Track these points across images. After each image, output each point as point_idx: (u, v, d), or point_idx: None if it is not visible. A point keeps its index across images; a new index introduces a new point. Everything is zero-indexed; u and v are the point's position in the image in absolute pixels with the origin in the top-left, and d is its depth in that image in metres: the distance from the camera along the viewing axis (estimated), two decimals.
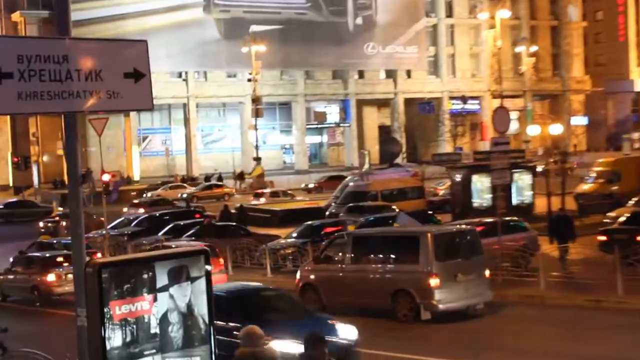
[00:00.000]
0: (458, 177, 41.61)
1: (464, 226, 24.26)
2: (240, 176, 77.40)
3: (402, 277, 20.99)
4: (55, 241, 35.61)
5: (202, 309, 7.11)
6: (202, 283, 7.12)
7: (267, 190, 64.50)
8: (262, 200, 59.27)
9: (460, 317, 20.86)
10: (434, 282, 20.51)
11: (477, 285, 21.39)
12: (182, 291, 6.96)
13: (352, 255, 22.45)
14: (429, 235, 21.07)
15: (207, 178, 75.38)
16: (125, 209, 53.11)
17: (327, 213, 43.65)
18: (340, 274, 22.51)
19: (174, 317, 6.86)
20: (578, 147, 79.78)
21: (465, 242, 22.09)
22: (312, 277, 23.46)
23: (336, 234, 26.70)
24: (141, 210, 49.71)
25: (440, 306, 20.62)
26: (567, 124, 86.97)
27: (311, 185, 70.07)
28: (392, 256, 21.86)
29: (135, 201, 56.83)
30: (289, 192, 63.37)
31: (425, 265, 20.71)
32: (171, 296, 6.88)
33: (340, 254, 23.06)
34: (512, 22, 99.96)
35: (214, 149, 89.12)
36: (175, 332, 6.87)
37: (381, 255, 22.04)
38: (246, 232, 36.24)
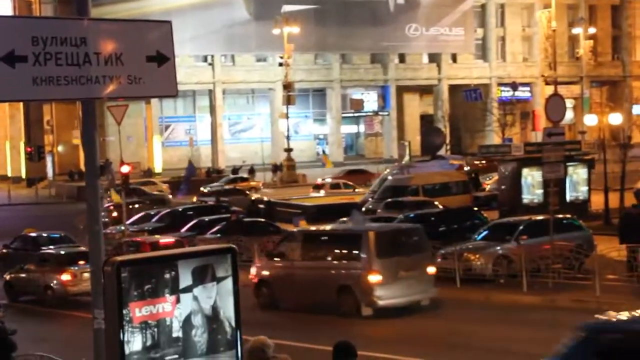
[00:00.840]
0: (507, 171, 41.45)
1: (407, 224, 26.70)
2: (276, 168, 77.56)
3: (345, 273, 23.12)
4: (36, 235, 35.90)
5: (228, 311, 7.14)
6: (228, 283, 7.15)
7: (328, 181, 63.84)
8: (322, 192, 59.08)
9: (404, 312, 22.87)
10: (374, 278, 22.55)
11: (420, 282, 23.43)
12: (207, 292, 7.00)
13: (302, 252, 24.68)
14: (370, 233, 23.15)
15: (235, 170, 75.57)
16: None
17: (363, 209, 43.62)
18: (291, 271, 24.61)
19: (198, 320, 6.91)
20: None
21: (409, 239, 24.19)
22: (266, 273, 25.52)
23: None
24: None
25: (381, 302, 22.65)
26: (628, 113, 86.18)
27: (328, 180, 66.76)
28: (337, 253, 23.90)
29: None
30: (350, 183, 62.09)
31: (366, 263, 22.85)
32: (195, 297, 6.92)
33: (291, 250, 25.17)
34: (569, 2, 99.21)
35: (241, 139, 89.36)
36: (199, 336, 6.91)
37: (328, 252, 23.97)
38: (276, 229, 36.33)
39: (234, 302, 6.98)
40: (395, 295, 22.83)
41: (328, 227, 27.77)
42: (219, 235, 34.28)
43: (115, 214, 45.48)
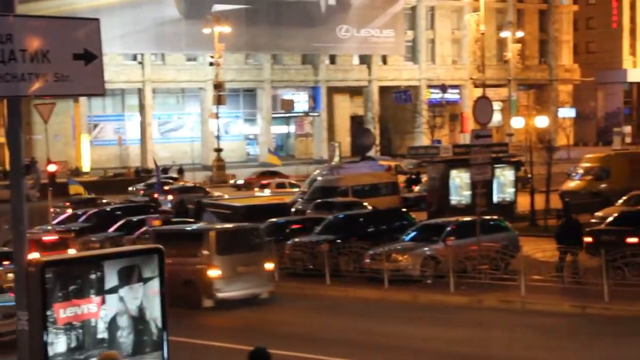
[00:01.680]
0: (435, 172, 41.80)
1: (247, 224, 28.26)
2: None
3: (190, 269, 24.86)
4: None
5: (154, 312, 7.07)
6: (155, 284, 7.08)
7: (274, 181, 63.98)
8: (267, 191, 59.01)
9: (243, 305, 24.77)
10: (214, 273, 24.78)
11: (258, 277, 25.59)
12: (133, 293, 6.92)
13: None
14: (211, 232, 25.61)
15: (164, 170, 75.00)
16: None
17: (293, 210, 43.63)
18: None
19: (123, 321, 6.83)
20: (565, 141, 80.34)
21: (248, 238, 26.30)
22: None
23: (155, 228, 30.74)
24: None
25: (220, 295, 24.88)
26: (554, 116, 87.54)
27: (240, 182, 68.71)
28: (184, 250, 25.37)
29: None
30: (295, 182, 62.43)
31: (207, 259, 25.10)
32: (121, 298, 6.84)
33: None
34: (498, 5, 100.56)
35: (171, 139, 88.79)
36: (125, 337, 6.84)
37: (176, 250, 24.69)
38: None
39: (160, 303, 6.93)
40: (233, 289, 25.08)
41: (176, 227, 30.45)
42: (147, 235, 33.98)
43: (69, 210, 45.31)
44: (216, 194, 58.16)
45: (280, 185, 61.22)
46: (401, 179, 58.25)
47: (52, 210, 39.36)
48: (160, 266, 6.95)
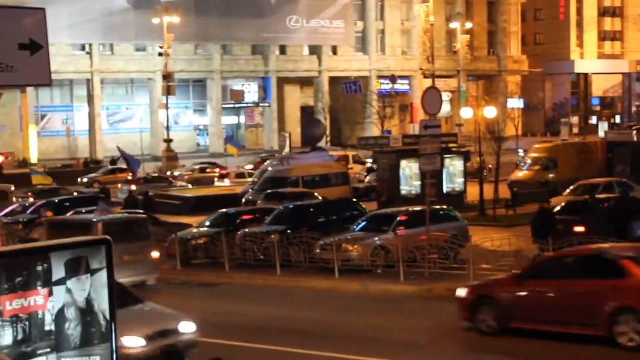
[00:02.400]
0: (385, 163, 41.99)
1: (135, 216, 29.71)
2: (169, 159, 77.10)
3: None
4: None
5: (102, 304, 7.00)
6: (103, 276, 7.01)
7: (232, 170, 63.80)
8: (227, 182, 58.86)
9: None
10: None
11: (144, 265, 26.59)
12: (81, 285, 6.84)
13: (48, 238, 25.86)
14: (99, 223, 26.44)
15: (113, 161, 74.55)
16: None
17: (243, 200, 43.62)
18: None
19: (71, 313, 6.77)
20: (514, 132, 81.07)
21: (134, 229, 27.34)
22: None
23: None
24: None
25: None
26: (503, 107, 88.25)
27: (177, 174, 67.20)
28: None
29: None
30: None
31: None
32: (69, 290, 6.77)
33: (40, 237, 27.65)
34: None
35: (120, 130, 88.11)
36: (73, 329, 6.77)
37: (67, 239, 25.80)
38: (155, 220, 35.99)
39: (108, 295, 6.89)
40: (120, 277, 25.73)
41: (70, 216, 31.71)
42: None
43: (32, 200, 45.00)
44: (179, 184, 58.05)
45: (240, 176, 61.14)
46: (358, 169, 58.48)
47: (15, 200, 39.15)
48: (108, 257, 6.90)
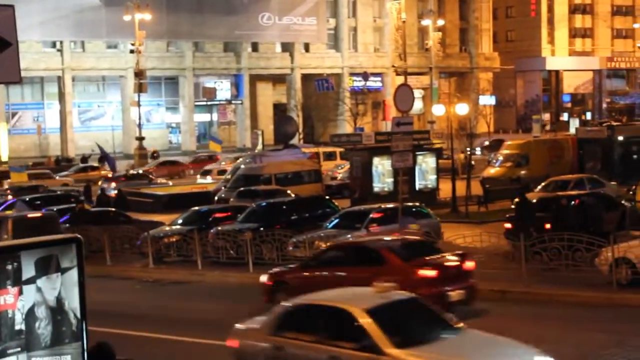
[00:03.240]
0: (358, 160, 42.03)
1: (47, 212, 31.62)
2: (153, 156, 76.83)
3: None
4: None
5: (73, 302, 6.97)
6: (73, 274, 6.97)
7: (214, 167, 63.67)
8: (209, 178, 58.73)
9: None
10: None
11: None
12: (51, 283, 6.81)
13: None
14: (9, 220, 28.24)
15: (84, 159, 74.22)
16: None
17: (216, 198, 43.54)
18: None
19: (41, 312, 6.73)
20: (486, 129, 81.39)
21: (44, 224, 28.47)
22: None
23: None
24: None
25: None
26: (475, 104, 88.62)
27: (134, 171, 66.14)
28: None
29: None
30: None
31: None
32: (39, 289, 6.73)
33: None
34: None
35: (92, 127, 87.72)
36: (43, 328, 6.74)
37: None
38: (126, 218, 35.90)
39: (79, 293, 6.85)
40: None
41: None
42: (67, 225, 33.62)
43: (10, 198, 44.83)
44: (160, 180, 57.93)
45: (222, 172, 61.03)
46: (330, 165, 58.45)
47: None
48: (79, 256, 6.86)
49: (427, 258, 20.26)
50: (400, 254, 20.29)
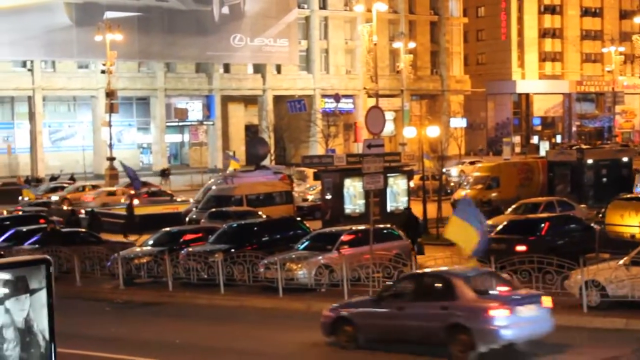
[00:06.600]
0: (329, 181, 42.03)
1: None
2: (164, 174, 76.66)
3: None
4: None
5: (42, 324, 6.89)
6: (42, 295, 6.90)
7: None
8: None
9: None
10: None
11: None
12: (20, 305, 6.73)
13: None
14: None
15: (53, 178, 73.83)
16: None
17: (187, 219, 43.37)
18: None
19: (9, 334, 6.66)
20: (457, 151, 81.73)
21: None
22: None
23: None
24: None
25: None
26: (446, 126, 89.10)
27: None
28: None
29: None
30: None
31: None
32: (7, 310, 6.65)
33: None
34: (390, 16, 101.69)
35: (62, 148, 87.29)
36: (11, 350, 6.66)
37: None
38: (97, 239, 35.70)
39: (48, 315, 6.78)
40: None
41: None
42: (37, 245, 33.38)
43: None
44: (179, 199, 57.26)
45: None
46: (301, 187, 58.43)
47: None
48: (48, 277, 6.80)
49: None
50: None
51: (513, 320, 17.85)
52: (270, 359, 19.98)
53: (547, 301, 18.75)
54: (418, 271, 22.61)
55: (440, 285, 19.27)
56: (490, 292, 18.66)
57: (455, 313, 18.11)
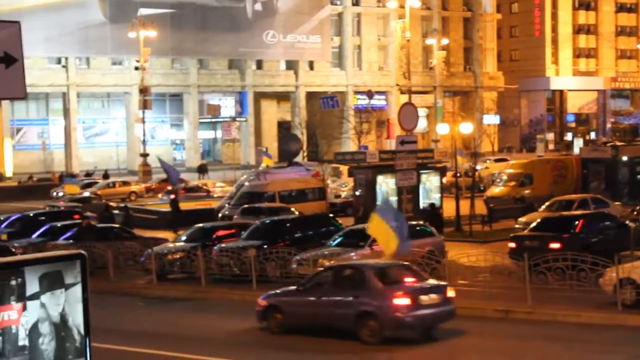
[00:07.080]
0: (362, 178, 41.99)
1: None
2: (201, 169, 77.11)
3: None
4: None
5: (77, 319, 6.93)
6: (77, 290, 6.94)
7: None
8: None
9: None
10: None
11: None
12: (55, 299, 6.77)
13: None
14: None
15: (87, 175, 74.35)
16: None
17: (219, 215, 43.50)
18: None
19: (45, 328, 6.70)
20: (490, 148, 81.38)
21: None
22: None
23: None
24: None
25: None
26: (479, 123, 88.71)
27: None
28: None
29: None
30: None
31: None
32: (43, 305, 6.70)
33: None
34: (423, 13, 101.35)
35: (96, 144, 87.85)
36: (47, 344, 6.70)
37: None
38: (131, 234, 35.89)
39: (83, 309, 6.82)
40: None
41: None
42: (71, 241, 33.62)
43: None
44: (216, 194, 57.84)
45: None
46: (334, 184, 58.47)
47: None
48: (83, 272, 6.83)
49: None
50: None
51: (415, 308, 19.50)
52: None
53: (450, 291, 20.43)
54: (336, 264, 24.37)
55: (353, 276, 21.12)
56: (397, 283, 20.25)
57: (365, 301, 19.96)
